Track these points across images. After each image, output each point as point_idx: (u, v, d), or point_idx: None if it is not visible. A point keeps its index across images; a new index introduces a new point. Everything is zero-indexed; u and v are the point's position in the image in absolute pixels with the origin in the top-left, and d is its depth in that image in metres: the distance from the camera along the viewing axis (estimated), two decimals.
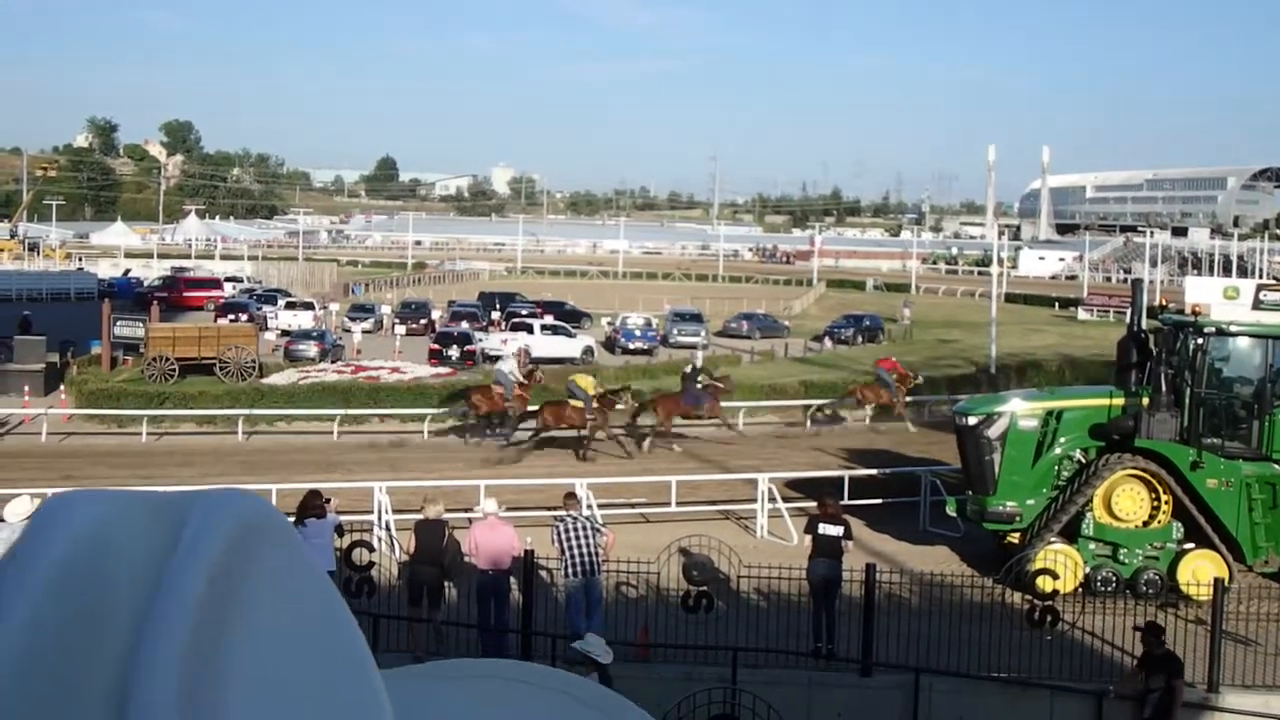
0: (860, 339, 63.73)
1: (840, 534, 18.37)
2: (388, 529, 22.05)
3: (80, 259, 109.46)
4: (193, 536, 0.72)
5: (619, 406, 32.81)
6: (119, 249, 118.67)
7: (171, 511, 0.76)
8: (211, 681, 0.68)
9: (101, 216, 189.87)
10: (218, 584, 0.71)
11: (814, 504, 20.55)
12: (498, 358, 49.77)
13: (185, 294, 73.91)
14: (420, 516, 18.25)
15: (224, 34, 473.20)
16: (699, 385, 34.76)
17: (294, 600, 0.78)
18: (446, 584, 18.06)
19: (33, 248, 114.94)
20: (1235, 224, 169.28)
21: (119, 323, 45.13)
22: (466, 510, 21.46)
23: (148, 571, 0.71)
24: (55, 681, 0.68)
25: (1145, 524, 21.61)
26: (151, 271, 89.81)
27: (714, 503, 26.45)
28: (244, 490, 0.82)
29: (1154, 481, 21.54)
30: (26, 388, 36.97)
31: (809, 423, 38.22)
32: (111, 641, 0.69)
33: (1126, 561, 21.42)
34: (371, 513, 22.48)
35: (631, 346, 56.96)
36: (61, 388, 38.68)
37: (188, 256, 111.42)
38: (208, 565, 0.70)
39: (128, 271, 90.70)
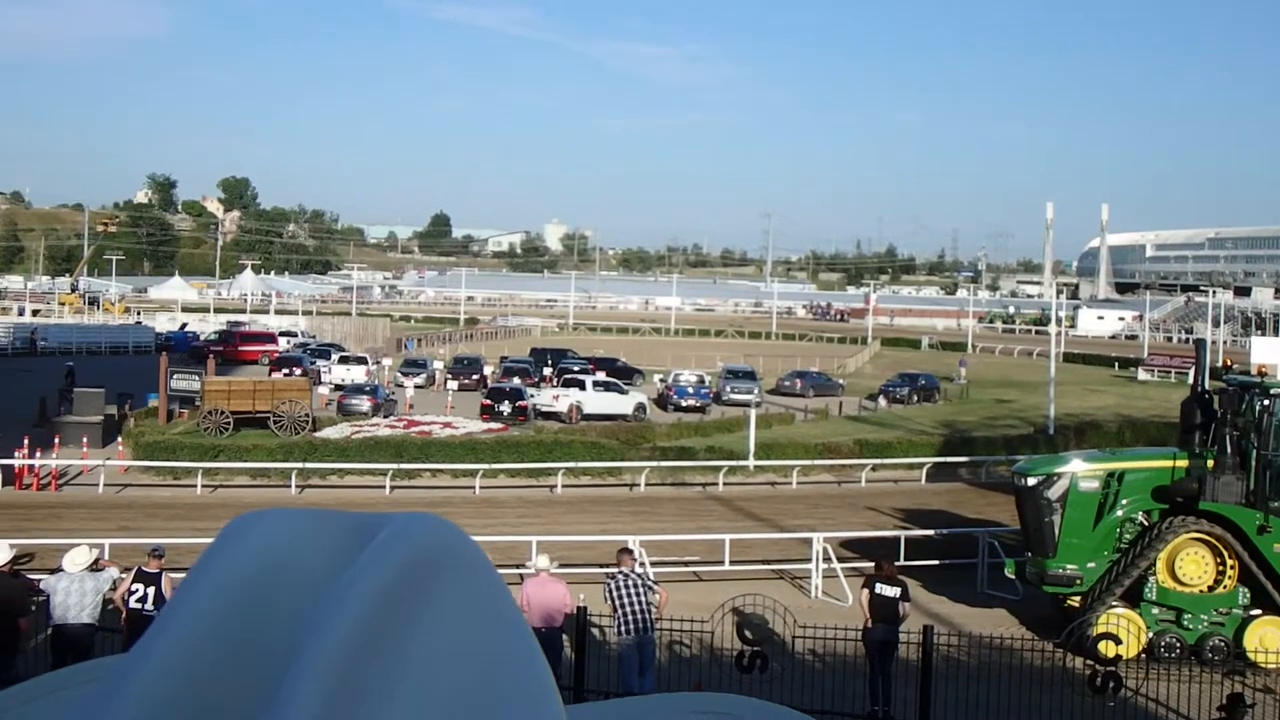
0: (915, 398, 63.18)
1: (897, 595, 18.13)
2: None
3: (138, 313, 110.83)
4: (367, 558, 0.71)
5: None
6: (176, 303, 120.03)
7: (359, 533, 0.76)
8: (364, 704, 0.67)
9: (160, 271, 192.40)
10: (386, 606, 0.70)
11: (870, 564, 20.26)
12: (550, 414, 49.85)
13: (240, 348, 74.45)
14: None
15: (280, 93, 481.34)
16: None
17: (474, 631, 0.77)
18: None
19: (93, 302, 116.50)
20: None
21: (175, 376, 45.64)
22: (518, 566, 21.33)
23: (315, 591, 0.71)
24: (207, 696, 0.69)
25: (1210, 589, 21.17)
26: (208, 325, 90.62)
27: (767, 562, 26.17)
28: (438, 516, 0.80)
29: (1219, 545, 21.10)
30: (85, 439, 37.31)
31: None
32: (266, 658, 0.69)
33: (1191, 627, 20.97)
34: None
35: (684, 404, 56.55)
36: (119, 439, 39.02)
37: (243, 311, 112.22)
38: (376, 587, 0.69)
39: (184, 325, 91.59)
